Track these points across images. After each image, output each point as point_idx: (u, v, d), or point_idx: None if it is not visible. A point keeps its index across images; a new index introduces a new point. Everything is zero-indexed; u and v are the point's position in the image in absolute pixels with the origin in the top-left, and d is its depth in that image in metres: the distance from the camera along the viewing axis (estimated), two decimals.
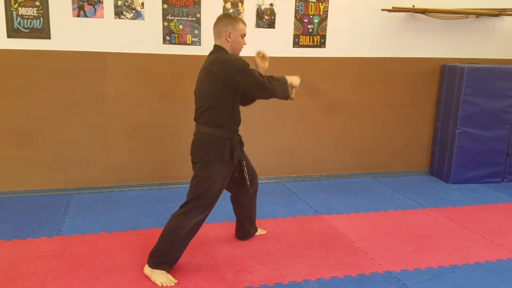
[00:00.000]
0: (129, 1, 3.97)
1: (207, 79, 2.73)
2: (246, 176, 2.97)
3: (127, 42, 4.05)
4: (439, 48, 4.85)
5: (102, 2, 3.92)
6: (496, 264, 3.06)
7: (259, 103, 4.31)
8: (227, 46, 2.78)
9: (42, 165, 4.09)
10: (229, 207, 3.31)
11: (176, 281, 2.71)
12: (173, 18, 4.10)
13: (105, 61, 4.04)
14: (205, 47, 4.03)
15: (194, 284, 2.70)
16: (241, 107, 2.91)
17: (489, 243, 3.38)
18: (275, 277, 2.81)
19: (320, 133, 4.73)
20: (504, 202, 4.28)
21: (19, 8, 3.77)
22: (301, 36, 4.47)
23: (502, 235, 3.52)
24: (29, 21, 3.81)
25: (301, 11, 4.42)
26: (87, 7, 3.91)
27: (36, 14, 3.81)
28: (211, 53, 2.82)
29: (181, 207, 2.75)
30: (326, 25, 4.50)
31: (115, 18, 3.99)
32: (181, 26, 4.12)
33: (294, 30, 4.44)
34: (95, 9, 3.93)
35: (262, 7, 4.30)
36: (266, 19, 4.33)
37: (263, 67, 2.94)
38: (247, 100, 2.96)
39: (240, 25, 2.80)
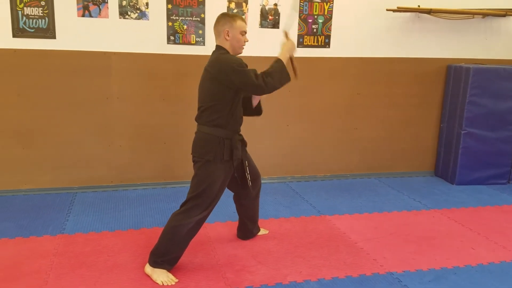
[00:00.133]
0: (134, 1, 3.99)
1: (206, 80, 2.75)
2: (248, 177, 2.97)
3: (132, 42, 4.06)
4: (445, 49, 4.82)
5: (107, 2, 3.94)
6: (499, 266, 3.04)
7: (262, 103, 4.33)
8: (227, 45, 2.78)
9: (46, 164, 4.12)
10: (232, 206, 3.31)
11: (176, 280, 2.71)
12: (177, 18, 4.11)
13: (110, 61, 4.06)
14: (209, 47, 4.04)
15: (195, 284, 2.70)
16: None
17: (493, 245, 3.35)
18: (276, 277, 2.81)
19: (324, 133, 4.72)
20: (509, 204, 4.24)
21: (25, 8, 3.80)
22: (305, 36, 4.46)
23: (506, 237, 3.49)
24: (34, 20, 3.84)
25: (306, 11, 4.42)
26: (92, 7, 3.93)
27: (41, 14, 3.84)
28: (212, 53, 2.83)
29: (181, 206, 2.75)
30: (331, 25, 4.49)
31: (120, 18, 4.01)
32: (185, 26, 4.13)
33: (298, 30, 4.43)
34: (100, 9, 3.95)
35: (267, 7, 4.30)
36: (270, 19, 4.33)
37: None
38: (252, 111, 2.99)
39: (238, 22, 2.78)
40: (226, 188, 3.07)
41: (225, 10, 4.15)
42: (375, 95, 4.75)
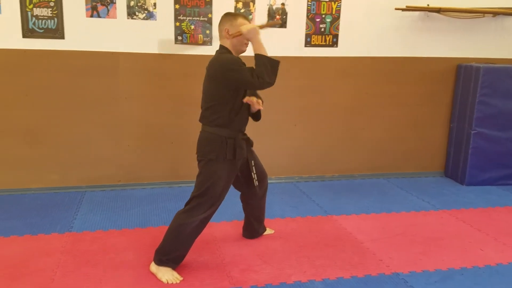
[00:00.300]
0: (142, 2, 4.02)
1: (206, 80, 2.77)
2: (254, 176, 2.97)
3: (139, 42, 4.09)
4: (455, 48, 4.77)
5: (115, 3, 3.97)
6: (507, 267, 3.00)
7: (269, 103, 4.33)
8: (228, 44, 2.79)
9: (55, 163, 4.16)
10: (238, 206, 3.31)
11: (181, 278, 2.72)
12: (184, 18, 4.13)
13: (118, 61, 4.09)
14: (217, 47, 3.95)
15: (199, 282, 2.71)
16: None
17: (501, 246, 3.30)
18: (280, 276, 2.80)
19: (332, 133, 4.70)
20: None
21: (34, 9, 3.84)
22: (313, 36, 4.45)
23: None
24: (43, 21, 3.88)
25: (313, 11, 4.40)
26: (100, 8, 3.97)
27: (51, 15, 3.88)
28: (215, 53, 2.84)
29: (186, 204, 2.76)
30: (339, 24, 4.47)
31: (128, 18, 4.03)
32: (192, 26, 4.15)
33: (306, 29, 4.42)
34: (108, 10, 3.98)
35: (274, 7, 4.30)
36: (277, 18, 4.33)
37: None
38: (252, 115, 2.97)
39: (239, 20, 2.76)
40: (233, 187, 3.08)
41: (232, 10, 4.16)
42: (383, 95, 4.72)
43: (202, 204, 2.71)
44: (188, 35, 4.16)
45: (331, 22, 4.46)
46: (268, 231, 3.41)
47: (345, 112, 4.68)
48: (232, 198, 3.31)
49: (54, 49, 3.95)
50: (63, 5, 3.89)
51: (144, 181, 4.38)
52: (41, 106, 4.04)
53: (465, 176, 4.71)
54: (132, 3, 4.00)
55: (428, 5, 4.54)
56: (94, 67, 4.05)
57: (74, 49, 3.98)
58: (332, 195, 4.29)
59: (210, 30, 4.18)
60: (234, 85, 2.68)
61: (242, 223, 3.36)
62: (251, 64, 2.66)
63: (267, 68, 2.60)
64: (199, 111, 2.86)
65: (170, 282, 2.69)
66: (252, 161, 2.97)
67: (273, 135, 4.54)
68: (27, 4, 3.83)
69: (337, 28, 4.48)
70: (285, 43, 4.39)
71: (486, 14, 4.70)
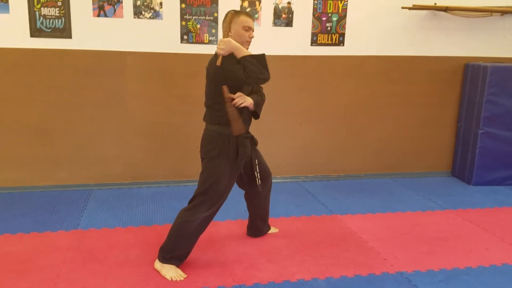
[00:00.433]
0: (148, 1, 4.04)
1: (206, 79, 2.79)
2: (257, 175, 2.97)
3: (146, 42, 4.12)
4: (462, 47, 4.74)
5: (122, 2, 4.01)
6: None
7: (275, 102, 4.34)
8: None
9: (63, 161, 4.20)
10: (243, 204, 3.32)
11: (185, 276, 2.74)
12: (190, 17, 4.15)
13: (124, 60, 4.12)
14: None
15: (203, 279, 2.72)
16: None
17: (508, 246, 3.28)
18: (283, 274, 2.81)
19: (338, 133, 4.69)
20: None
21: (42, 8, 3.89)
22: (319, 35, 4.45)
23: None
24: (51, 21, 3.92)
25: (320, 9, 4.40)
26: (107, 7, 4.00)
27: (58, 14, 3.92)
28: None
29: (189, 202, 2.78)
30: (345, 23, 4.46)
31: (134, 17, 4.06)
32: (198, 25, 4.17)
33: (312, 28, 4.42)
34: (115, 9, 4.01)
35: (280, 6, 4.30)
36: (283, 17, 4.33)
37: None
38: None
39: (241, 17, 2.74)
40: (238, 186, 3.10)
41: (238, 9, 4.16)
42: (390, 94, 4.70)
43: (205, 201, 2.73)
44: (194, 34, 4.18)
45: (338, 21, 4.45)
46: (273, 230, 3.42)
47: (351, 111, 4.67)
48: (237, 197, 3.33)
49: (61, 49, 3.99)
50: (70, 4, 3.93)
51: (151, 180, 4.41)
52: (49, 105, 4.08)
53: (472, 176, 4.68)
54: (138, 3, 4.03)
55: (435, 3, 4.52)
56: (101, 66, 4.09)
57: (82, 48, 4.02)
58: (338, 195, 4.28)
59: (216, 29, 4.20)
60: (230, 84, 2.68)
61: (246, 221, 3.37)
62: None
63: (254, 64, 2.61)
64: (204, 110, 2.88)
65: (174, 279, 2.71)
66: (256, 160, 2.97)
67: (279, 134, 4.55)
68: (35, 3, 3.87)
69: (344, 27, 4.47)
70: (291, 42, 4.40)
71: (493, 13, 4.66)
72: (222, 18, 4.05)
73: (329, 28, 4.45)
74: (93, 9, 3.98)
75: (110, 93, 4.16)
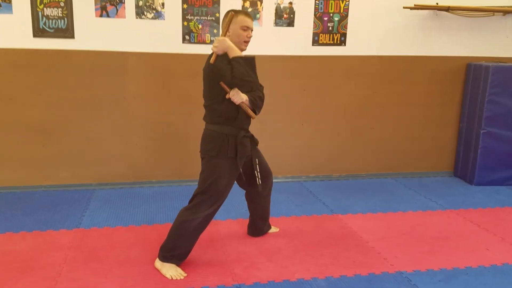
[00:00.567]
0: (150, 2, 4.06)
1: (203, 79, 2.81)
2: (258, 175, 2.98)
3: (148, 42, 4.14)
4: (464, 47, 4.73)
5: (124, 3, 4.03)
6: None
7: (276, 102, 4.35)
8: None
9: (66, 161, 4.23)
10: (244, 204, 3.33)
11: (185, 275, 2.76)
12: (192, 17, 4.16)
13: (127, 60, 4.14)
14: None
15: (202, 278, 2.74)
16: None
17: (508, 246, 3.28)
18: (283, 274, 2.82)
19: (340, 132, 4.70)
20: None
21: (45, 9, 3.91)
22: (320, 34, 4.45)
23: None
24: (54, 21, 3.95)
25: (321, 9, 4.41)
26: (110, 8, 4.02)
27: (61, 15, 3.95)
28: None
29: (189, 201, 2.80)
30: (347, 23, 4.46)
31: (136, 18, 4.08)
32: (200, 26, 4.18)
33: (313, 28, 4.42)
34: (117, 10, 4.03)
35: (281, 6, 4.31)
36: (285, 17, 4.34)
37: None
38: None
39: (240, 17, 2.75)
40: (239, 186, 3.11)
41: (239, 9, 4.17)
42: (392, 94, 4.70)
43: (205, 201, 2.74)
44: (196, 34, 4.20)
45: (339, 21, 4.46)
46: (273, 229, 3.43)
47: (353, 111, 4.67)
48: (238, 197, 3.34)
49: (64, 49, 4.01)
50: (73, 5, 3.95)
51: (153, 179, 4.42)
52: (52, 105, 4.10)
53: (474, 176, 4.67)
54: (140, 3, 4.05)
55: (437, 3, 4.51)
56: (104, 66, 4.11)
57: (84, 48, 4.04)
58: (339, 195, 4.29)
59: (218, 29, 4.21)
60: (218, 82, 2.70)
61: (247, 221, 3.38)
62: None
63: (242, 66, 2.63)
64: None
65: (174, 278, 2.72)
66: (256, 160, 2.98)
67: (280, 134, 4.56)
68: (38, 4, 3.89)
69: (345, 27, 4.48)
70: (292, 42, 4.40)
71: (496, 13, 4.65)
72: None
73: (330, 28, 4.46)
74: (96, 9, 4.00)
75: (112, 93, 4.18)
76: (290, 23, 4.37)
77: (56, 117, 4.13)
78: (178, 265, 2.80)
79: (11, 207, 3.80)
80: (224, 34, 2.76)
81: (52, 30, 3.96)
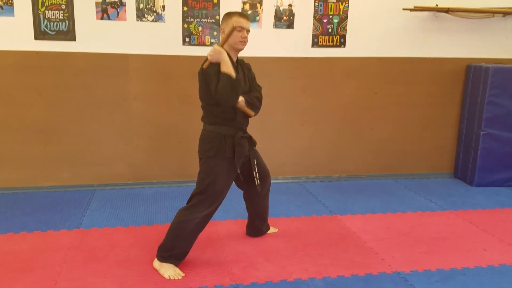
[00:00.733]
0: (151, 4, 4.09)
1: (198, 82, 2.83)
2: (256, 175, 3.00)
3: (148, 44, 4.17)
4: (464, 48, 4.74)
5: (125, 5, 4.06)
6: (510, 267, 2.98)
7: (276, 102, 4.37)
8: (225, 44, 2.82)
9: (66, 161, 4.26)
10: (243, 204, 3.34)
11: (183, 275, 2.77)
12: (192, 20, 4.19)
13: (127, 62, 4.17)
14: None
15: (201, 278, 2.76)
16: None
17: (506, 247, 3.28)
18: (281, 274, 2.83)
19: (340, 133, 4.71)
20: None
21: (46, 11, 3.95)
22: (320, 36, 4.47)
23: None
24: (55, 23, 3.98)
25: (321, 11, 4.43)
26: (110, 10, 4.05)
27: (62, 17, 3.98)
28: None
29: (187, 202, 2.82)
30: (346, 24, 4.48)
31: (137, 20, 4.12)
32: (200, 28, 4.21)
33: (313, 30, 4.44)
34: (118, 12, 4.07)
35: (281, 8, 4.33)
36: (284, 19, 4.36)
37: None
38: None
39: (233, 18, 2.74)
40: (237, 186, 3.13)
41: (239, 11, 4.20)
42: (392, 95, 4.72)
43: (203, 201, 2.76)
44: (196, 36, 4.23)
45: (339, 23, 4.48)
46: (272, 230, 3.44)
47: (352, 112, 4.68)
48: (237, 197, 3.36)
49: (65, 51, 4.05)
50: (74, 7, 3.99)
51: (153, 180, 4.45)
52: (53, 106, 4.14)
53: (474, 177, 4.67)
54: (141, 6, 4.08)
55: (436, 5, 4.52)
56: (104, 68, 4.14)
57: (85, 50, 4.08)
58: (339, 195, 4.30)
59: (218, 31, 4.24)
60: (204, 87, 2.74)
61: (246, 221, 3.40)
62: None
63: (227, 85, 2.63)
64: None
65: (172, 278, 2.74)
66: (254, 160, 3.00)
67: (280, 134, 4.57)
68: (39, 7, 3.93)
69: (345, 29, 4.49)
70: (292, 43, 4.43)
71: (495, 14, 4.66)
72: None
73: (330, 30, 4.48)
74: (97, 12, 4.03)
75: (113, 94, 4.22)
76: (290, 25, 4.39)
77: (57, 118, 4.17)
78: (176, 265, 2.82)
79: (11, 207, 3.83)
80: (222, 45, 2.76)
81: (53, 33, 4.00)
